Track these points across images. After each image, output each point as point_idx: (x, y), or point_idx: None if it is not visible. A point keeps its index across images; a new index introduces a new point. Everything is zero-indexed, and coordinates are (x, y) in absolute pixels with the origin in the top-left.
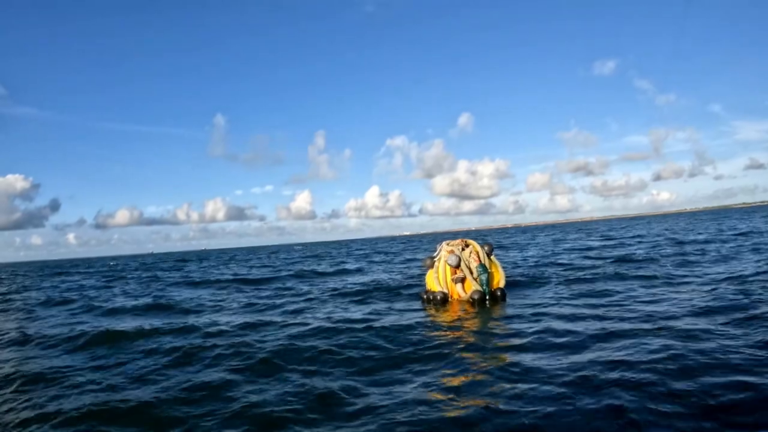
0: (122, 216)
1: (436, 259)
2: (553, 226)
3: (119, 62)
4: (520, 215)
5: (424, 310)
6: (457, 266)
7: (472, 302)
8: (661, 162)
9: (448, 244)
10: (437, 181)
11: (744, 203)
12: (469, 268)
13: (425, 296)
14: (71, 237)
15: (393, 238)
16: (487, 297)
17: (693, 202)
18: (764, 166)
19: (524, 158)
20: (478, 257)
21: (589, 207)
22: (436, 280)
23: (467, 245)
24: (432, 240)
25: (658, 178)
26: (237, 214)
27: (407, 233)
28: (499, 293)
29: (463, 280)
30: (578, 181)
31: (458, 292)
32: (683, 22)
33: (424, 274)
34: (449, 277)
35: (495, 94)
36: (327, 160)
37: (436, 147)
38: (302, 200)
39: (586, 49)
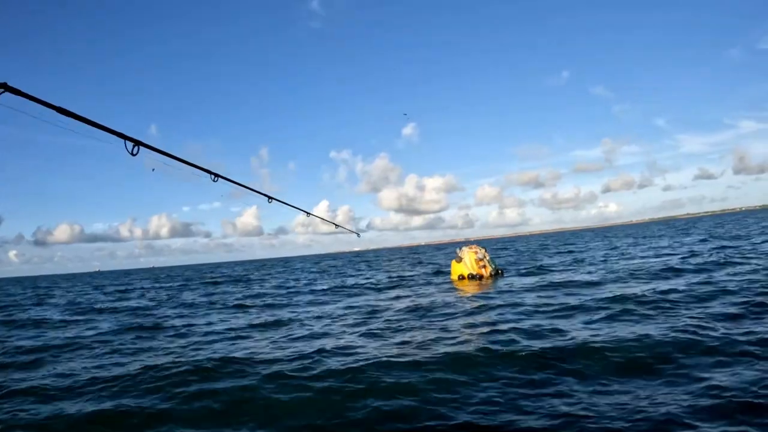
0: (63, 232)
1: (461, 256)
2: (511, 240)
3: (50, 72)
4: (470, 229)
5: (456, 282)
6: (481, 259)
7: (492, 276)
8: (613, 174)
9: (469, 248)
10: (384, 195)
11: (689, 213)
12: (486, 259)
13: (458, 277)
14: (12, 254)
15: (346, 254)
16: (499, 272)
17: (640, 213)
18: (714, 176)
19: (474, 172)
20: (486, 254)
21: (539, 220)
22: (467, 267)
23: (480, 249)
24: (382, 255)
25: (608, 190)
26: (183, 230)
27: (357, 249)
28: (501, 271)
29: (485, 266)
30: (528, 194)
31: (483, 272)
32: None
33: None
34: (476, 264)
35: (441, 107)
36: (270, 173)
37: (381, 159)
38: (249, 216)
39: (538, 60)
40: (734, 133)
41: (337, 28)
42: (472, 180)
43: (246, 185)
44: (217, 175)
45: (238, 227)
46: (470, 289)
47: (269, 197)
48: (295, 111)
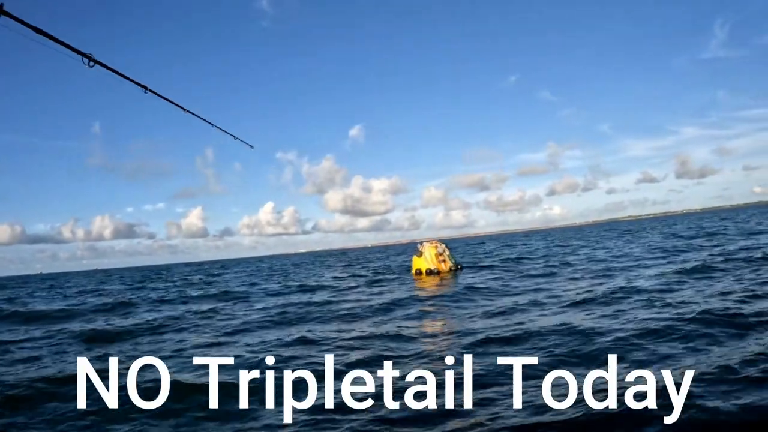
0: (3, 232)
1: (422, 250)
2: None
3: None
4: (416, 231)
5: (419, 276)
6: (441, 254)
7: (452, 271)
8: (557, 177)
9: (430, 243)
10: (330, 196)
11: (631, 216)
12: (446, 254)
13: (416, 271)
14: None
15: (292, 256)
16: (458, 267)
17: (584, 215)
18: (656, 179)
19: (420, 174)
20: (446, 249)
21: (484, 222)
22: (426, 262)
23: (440, 244)
24: (330, 255)
25: (552, 192)
26: (127, 231)
27: (302, 251)
28: (460, 266)
29: (444, 260)
30: (474, 196)
31: (442, 266)
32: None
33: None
34: (436, 259)
35: (388, 109)
36: (216, 173)
37: (327, 160)
38: (194, 217)
39: (487, 63)
40: (676, 139)
41: (285, 26)
42: (418, 182)
43: (122, 74)
44: (91, 59)
45: (183, 228)
46: (428, 286)
47: (145, 88)
48: (242, 110)
